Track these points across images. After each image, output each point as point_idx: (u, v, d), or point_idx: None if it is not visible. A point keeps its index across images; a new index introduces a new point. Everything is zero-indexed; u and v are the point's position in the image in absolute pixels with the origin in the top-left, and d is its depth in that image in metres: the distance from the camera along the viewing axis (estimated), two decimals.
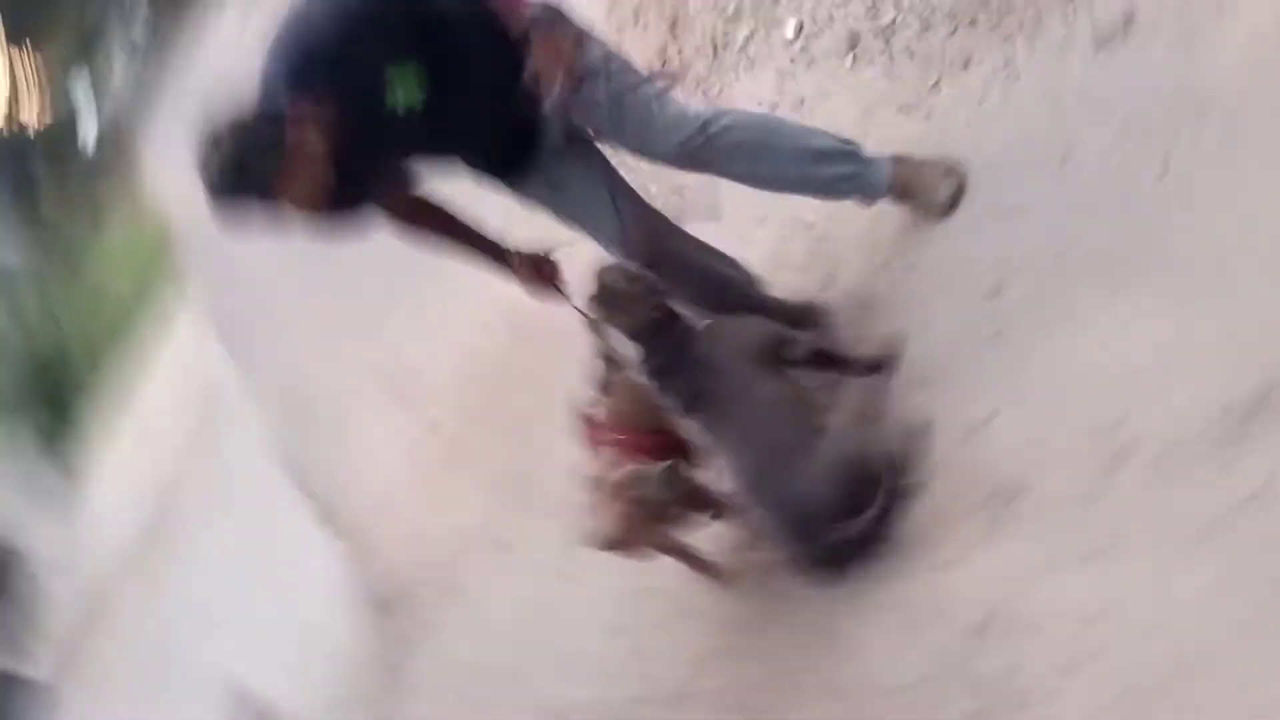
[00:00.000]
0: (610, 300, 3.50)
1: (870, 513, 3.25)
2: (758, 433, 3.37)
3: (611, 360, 3.65)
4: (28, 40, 28.26)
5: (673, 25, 5.79)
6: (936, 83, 3.86)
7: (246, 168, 3.16)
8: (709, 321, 3.59)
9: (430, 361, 7.55)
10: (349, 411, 8.67)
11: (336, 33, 3.18)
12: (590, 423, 3.79)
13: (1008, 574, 2.84)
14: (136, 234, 22.50)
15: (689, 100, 3.62)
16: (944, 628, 2.96)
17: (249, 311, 13.22)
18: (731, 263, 3.94)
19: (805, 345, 3.55)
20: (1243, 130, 2.78)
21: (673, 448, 3.68)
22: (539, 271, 3.75)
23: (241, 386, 12.27)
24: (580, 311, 3.63)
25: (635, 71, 3.53)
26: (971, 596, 2.91)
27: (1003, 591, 2.83)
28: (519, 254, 3.75)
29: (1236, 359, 2.55)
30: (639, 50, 5.96)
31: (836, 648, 3.28)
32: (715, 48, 5.35)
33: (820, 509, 3.26)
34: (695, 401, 3.47)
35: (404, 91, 3.30)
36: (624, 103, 3.48)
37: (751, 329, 3.54)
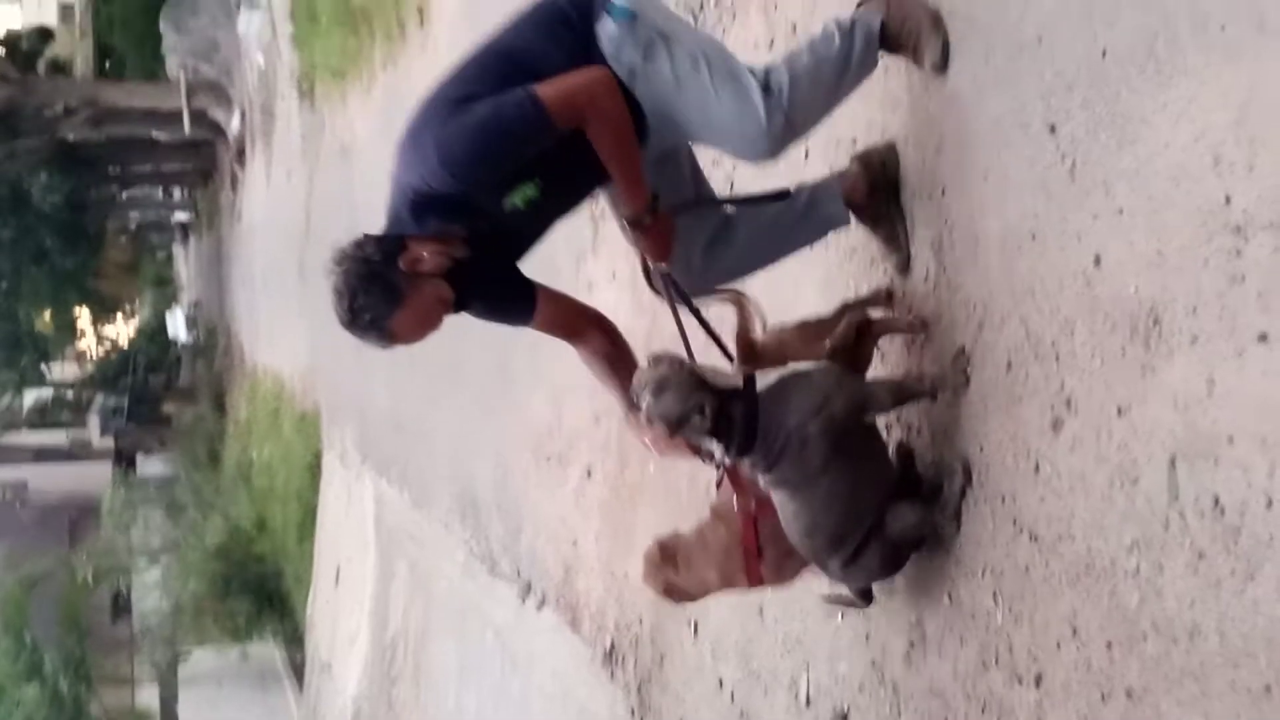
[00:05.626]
0: (665, 422, 3.45)
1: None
2: (823, 513, 3.51)
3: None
4: None
5: None
6: None
7: (364, 310, 3.42)
8: (778, 380, 3.53)
9: (562, 414, 7.58)
10: (513, 489, 8.74)
11: (460, 185, 3.35)
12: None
13: (1185, 393, 2.70)
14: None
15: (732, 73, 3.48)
16: (1142, 478, 2.84)
17: (388, 438, 13.40)
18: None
19: (886, 397, 3.56)
20: None
21: None
22: (663, 230, 3.64)
23: (405, 506, 12.42)
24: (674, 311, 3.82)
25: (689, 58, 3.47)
26: (1156, 432, 2.79)
27: (1185, 414, 2.70)
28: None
29: None
30: None
31: (1049, 533, 3.18)
32: (693, 15, 5.29)
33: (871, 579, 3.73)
34: (771, 467, 3.49)
35: (521, 197, 3.44)
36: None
37: (829, 395, 3.47)
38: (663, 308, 3.86)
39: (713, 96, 3.42)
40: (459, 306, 3.59)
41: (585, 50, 3.41)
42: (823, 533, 3.53)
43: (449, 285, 3.49)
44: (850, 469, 3.48)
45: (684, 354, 3.69)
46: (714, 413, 3.40)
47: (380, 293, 3.39)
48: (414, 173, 3.37)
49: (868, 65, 3.58)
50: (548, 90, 3.27)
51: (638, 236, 3.60)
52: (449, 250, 3.45)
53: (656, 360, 3.50)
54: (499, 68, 3.42)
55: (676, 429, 3.42)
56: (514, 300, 3.77)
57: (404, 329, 3.48)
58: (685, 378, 3.42)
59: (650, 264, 3.74)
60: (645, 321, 5.67)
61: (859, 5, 3.66)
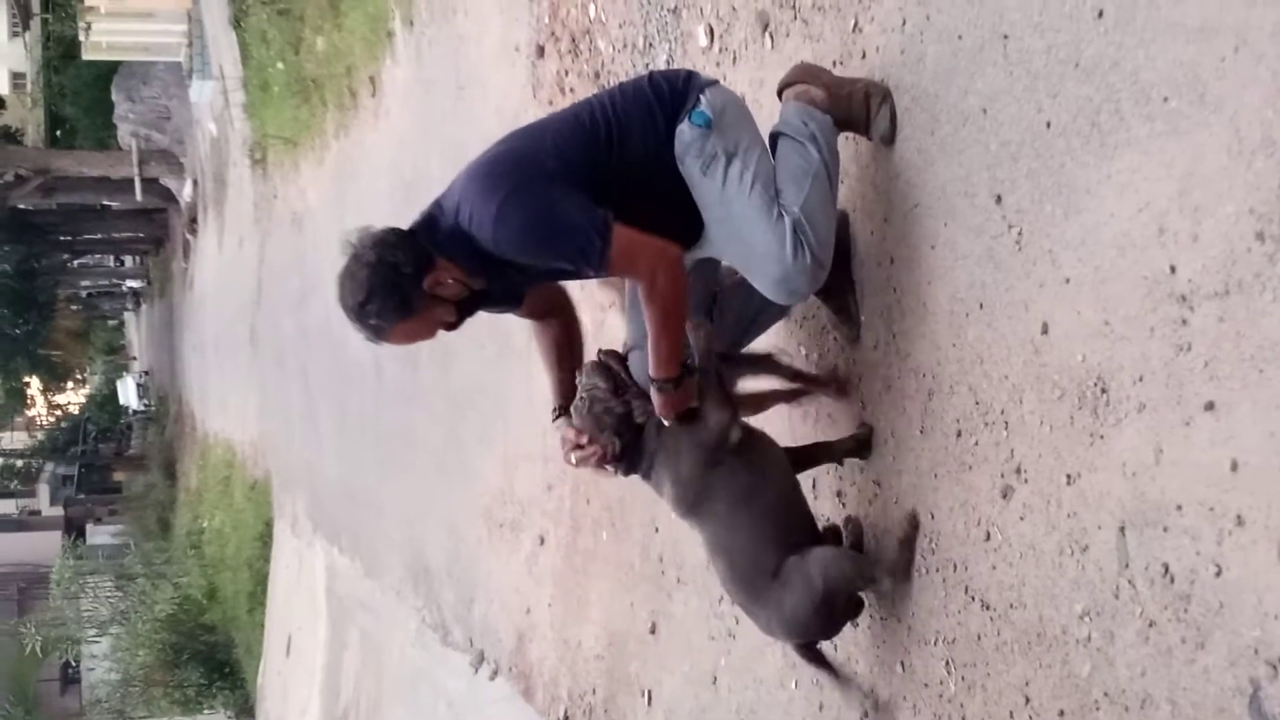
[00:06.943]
0: (590, 423, 3.66)
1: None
2: (727, 535, 3.61)
3: None
4: None
5: (596, 78, 5.75)
6: (856, 25, 3.78)
7: (372, 314, 3.45)
8: (664, 425, 3.67)
9: (514, 481, 7.55)
10: (466, 557, 8.68)
11: (499, 254, 3.43)
12: None
13: (1134, 461, 2.71)
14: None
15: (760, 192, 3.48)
16: (1092, 546, 2.85)
17: (340, 506, 13.31)
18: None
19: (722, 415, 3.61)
20: None
21: None
22: (685, 398, 3.61)
23: (357, 575, 12.32)
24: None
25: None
26: (1106, 500, 2.80)
27: (1134, 482, 2.71)
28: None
29: (1250, 168, 2.43)
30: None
31: (1000, 601, 3.18)
32: None
33: (799, 631, 3.65)
34: (648, 472, 3.68)
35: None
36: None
37: (694, 434, 3.61)
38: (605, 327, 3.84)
39: (751, 229, 3.45)
40: (454, 327, 3.66)
41: (665, 143, 3.49)
42: (740, 559, 3.57)
43: (456, 310, 3.57)
44: (742, 484, 3.56)
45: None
46: (623, 446, 3.63)
47: (396, 303, 3.43)
48: (467, 211, 3.40)
49: (838, 159, 3.61)
50: (620, 236, 3.33)
51: (657, 396, 3.59)
52: (471, 282, 3.52)
53: (609, 354, 3.71)
54: (589, 133, 3.47)
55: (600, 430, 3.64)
56: (507, 303, 3.83)
57: (400, 337, 3.56)
58: (612, 407, 3.63)
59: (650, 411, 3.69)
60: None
61: (786, 90, 3.70)
